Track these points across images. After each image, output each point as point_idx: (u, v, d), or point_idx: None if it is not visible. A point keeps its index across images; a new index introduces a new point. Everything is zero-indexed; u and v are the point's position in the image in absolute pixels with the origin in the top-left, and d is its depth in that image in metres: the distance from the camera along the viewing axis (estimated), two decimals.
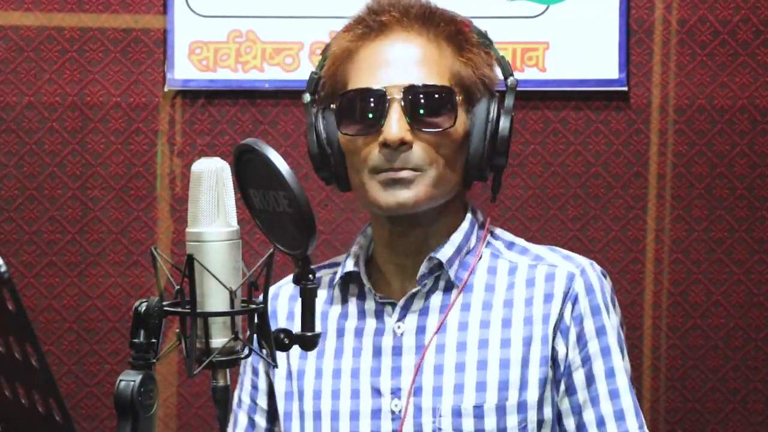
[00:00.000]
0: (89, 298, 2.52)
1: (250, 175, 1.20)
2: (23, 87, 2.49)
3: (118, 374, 1.13)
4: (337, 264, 1.67)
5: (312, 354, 1.60)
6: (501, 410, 1.53)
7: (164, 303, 1.15)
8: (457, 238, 1.59)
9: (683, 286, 2.55)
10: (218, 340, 1.15)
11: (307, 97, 1.60)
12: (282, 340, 1.22)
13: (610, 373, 1.56)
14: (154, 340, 1.14)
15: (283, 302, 1.66)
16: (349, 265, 1.61)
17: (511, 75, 1.58)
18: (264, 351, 1.20)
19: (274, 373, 1.63)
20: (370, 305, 1.60)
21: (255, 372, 1.67)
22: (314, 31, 2.50)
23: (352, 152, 1.55)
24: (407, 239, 1.58)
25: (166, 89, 2.50)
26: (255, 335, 1.18)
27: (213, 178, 1.15)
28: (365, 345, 1.58)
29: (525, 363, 1.54)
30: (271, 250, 1.20)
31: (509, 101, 1.57)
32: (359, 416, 1.56)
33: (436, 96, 1.52)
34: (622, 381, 1.57)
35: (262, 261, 1.18)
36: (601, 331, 1.57)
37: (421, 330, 1.57)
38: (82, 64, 2.50)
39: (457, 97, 1.53)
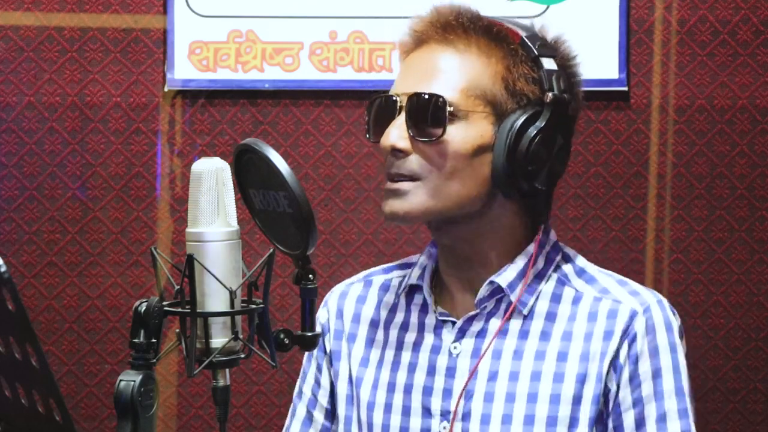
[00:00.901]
0: (89, 298, 2.52)
1: (250, 175, 1.20)
2: (23, 87, 2.49)
3: (118, 374, 1.13)
4: (409, 265, 1.65)
5: (373, 362, 1.59)
6: None
7: (164, 303, 1.15)
8: (520, 261, 1.55)
9: (683, 286, 2.55)
10: (218, 340, 1.15)
11: None
12: (282, 340, 1.22)
13: (661, 418, 1.51)
14: (154, 340, 1.14)
15: (350, 303, 1.64)
16: (414, 277, 1.59)
17: (550, 91, 1.51)
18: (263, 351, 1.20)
19: (338, 375, 1.61)
20: (430, 320, 1.57)
21: (319, 368, 1.65)
22: (314, 31, 2.50)
23: (382, 156, 1.55)
24: (452, 250, 1.56)
25: (166, 89, 2.50)
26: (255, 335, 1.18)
27: (213, 178, 1.15)
28: (421, 361, 1.56)
29: (577, 400, 1.51)
30: (271, 250, 1.20)
31: (543, 117, 1.50)
32: None
33: (428, 106, 1.50)
34: (674, 427, 1.52)
35: (262, 261, 1.18)
36: (657, 374, 1.53)
37: (476, 353, 1.54)
38: (82, 64, 2.50)
39: (449, 109, 1.49)
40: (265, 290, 1.19)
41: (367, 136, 1.57)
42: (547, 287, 1.56)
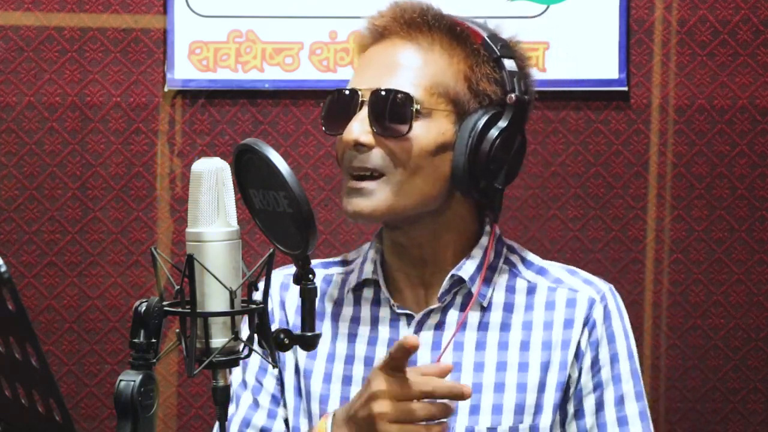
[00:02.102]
0: (89, 298, 2.52)
1: (250, 175, 1.20)
2: (23, 87, 2.49)
3: (118, 374, 1.13)
4: (348, 262, 1.66)
5: (321, 354, 1.59)
6: None
7: (164, 303, 1.15)
8: (477, 253, 1.58)
9: (683, 286, 2.55)
10: (218, 340, 1.15)
11: None
12: (282, 340, 1.22)
13: (619, 401, 1.57)
14: (154, 340, 1.14)
15: (293, 295, 1.63)
16: (368, 271, 1.59)
17: (512, 92, 1.53)
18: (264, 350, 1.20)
19: (284, 365, 1.61)
20: (384, 313, 1.59)
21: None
22: (314, 31, 2.50)
23: (337, 152, 1.55)
24: (406, 249, 1.57)
25: (166, 89, 2.50)
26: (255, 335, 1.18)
27: (213, 178, 1.15)
28: (378, 355, 1.57)
29: (542, 388, 1.54)
30: (271, 250, 1.20)
31: (506, 118, 1.52)
32: None
33: (393, 102, 1.50)
34: (632, 408, 1.57)
35: (262, 261, 1.18)
36: (614, 358, 1.57)
37: (436, 346, 1.56)
38: (82, 64, 2.50)
39: (415, 106, 1.50)
40: (265, 290, 1.19)
41: (323, 128, 1.57)
42: (501, 279, 1.59)
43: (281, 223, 1.19)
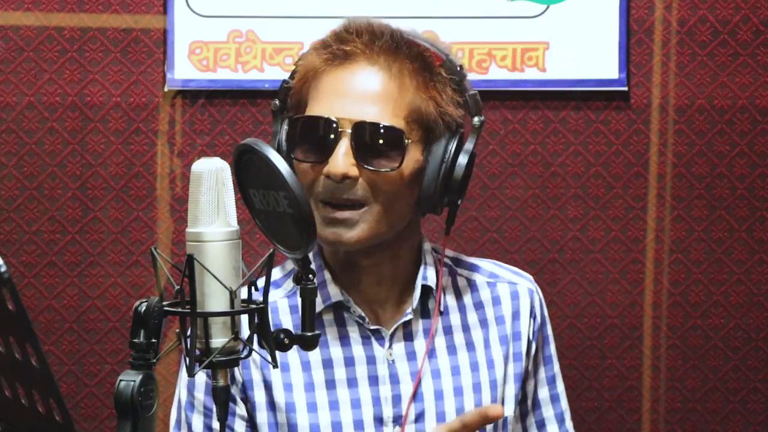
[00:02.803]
0: (89, 298, 2.52)
1: (250, 175, 1.20)
2: (23, 87, 2.49)
3: (118, 374, 1.13)
4: (279, 285, 1.62)
5: (298, 385, 1.57)
6: (495, 428, 1.60)
7: (164, 303, 1.15)
8: (430, 261, 1.61)
9: (683, 286, 2.55)
10: (218, 340, 1.15)
11: (276, 104, 1.60)
12: (282, 340, 1.22)
13: (551, 380, 1.68)
14: (154, 340, 1.14)
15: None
16: (336, 294, 1.58)
17: (478, 115, 1.55)
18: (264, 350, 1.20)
19: (255, 405, 1.57)
20: (353, 332, 1.59)
21: (233, 399, 1.59)
22: (314, 31, 2.48)
23: (302, 177, 1.53)
24: (367, 270, 1.58)
25: (166, 89, 2.50)
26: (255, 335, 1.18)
27: (213, 178, 1.15)
28: (359, 375, 1.57)
29: (505, 381, 1.61)
30: (271, 250, 1.20)
31: (471, 141, 1.55)
32: None
33: (385, 137, 1.51)
34: (561, 386, 1.69)
35: (262, 261, 1.18)
36: (546, 341, 1.67)
37: (411, 356, 1.58)
38: (82, 64, 2.50)
39: (407, 141, 1.51)
40: (265, 290, 1.19)
41: (291, 154, 1.54)
42: (445, 281, 1.62)
43: (281, 223, 1.19)
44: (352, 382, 1.57)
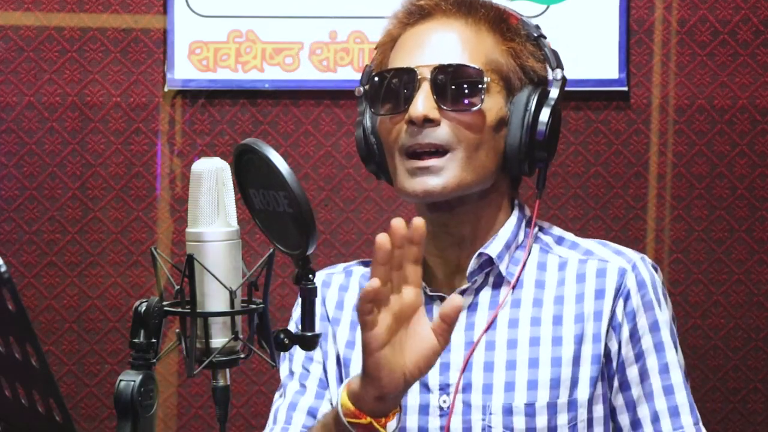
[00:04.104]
0: (89, 298, 2.52)
1: (250, 175, 1.20)
2: (23, 87, 2.49)
3: (118, 374, 1.13)
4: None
5: (359, 342, 1.59)
6: (552, 408, 1.52)
7: (164, 303, 1.15)
8: (504, 233, 1.58)
9: (683, 286, 2.55)
10: (218, 340, 1.15)
11: (359, 90, 1.59)
12: (282, 340, 1.22)
13: (664, 369, 1.55)
14: (154, 340, 1.14)
15: (333, 291, 1.64)
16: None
17: (558, 68, 1.58)
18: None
19: (326, 354, 1.60)
20: None
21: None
22: (314, 31, 2.50)
23: (385, 133, 1.53)
24: (448, 230, 1.56)
25: (166, 89, 2.50)
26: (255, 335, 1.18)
27: (213, 178, 1.15)
28: None
29: (576, 361, 1.53)
30: (271, 250, 1.20)
31: (553, 93, 1.57)
32: (407, 411, 1.53)
33: (464, 76, 1.51)
34: (677, 376, 1.55)
35: (262, 261, 1.18)
36: (654, 327, 1.56)
37: (470, 326, 1.55)
38: (82, 64, 2.50)
39: (486, 80, 1.51)
40: (265, 290, 1.19)
41: (372, 110, 1.55)
42: (531, 257, 1.59)
43: (281, 223, 1.19)
44: None
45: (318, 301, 1.63)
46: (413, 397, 1.54)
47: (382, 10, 2.45)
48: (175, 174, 2.52)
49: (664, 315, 1.57)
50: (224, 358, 1.15)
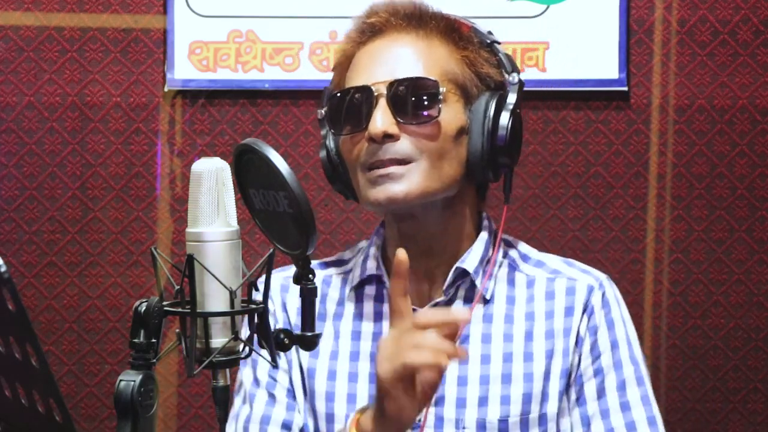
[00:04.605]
0: (89, 298, 2.52)
1: (250, 175, 1.20)
2: (23, 87, 2.49)
3: (118, 374, 1.13)
4: (344, 262, 1.66)
5: (324, 353, 1.59)
6: (524, 423, 1.54)
7: (164, 303, 1.15)
8: (479, 247, 1.59)
9: (683, 286, 2.55)
10: (218, 340, 1.15)
11: (321, 113, 1.60)
12: (282, 340, 1.22)
13: (621, 386, 1.57)
14: (154, 340, 1.14)
15: (293, 296, 1.63)
16: (371, 268, 1.60)
17: (514, 72, 1.57)
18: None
19: (290, 363, 1.61)
20: (388, 309, 1.58)
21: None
22: (314, 31, 2.50)
23: (347, 152, 1.55)
24: (416, 240, 1.57)
25: (166, 89, 2.50)
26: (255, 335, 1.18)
27: (213, 178, 1.15)
28: None
29: (547, 376, 1.55)
30: (271, 250, 1.20)
31: (511, 98, 1.56)
32: None
33: (420, 88, 1.52)
34: (634, 394, 1.57)
35: (262, 261, 1.18)
36: (614, 345, 1.58)
37: None
38: (82, 64, 2.50)
39: (442, 90, 1.52)
40: (265, 290, 1.19)
41: (332, 131, 1.57)
42: (501, 273, 1.60)
43: (281, 223, 1.19)
44: (374, 357, 1.55)
45: (277, 305, 1.63)
46: None
47: None
48: (175, 174, 2.52)
49: (624, 334, 1.60)
50: (224, 358, 1.15)
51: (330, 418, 1.57)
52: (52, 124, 2.50)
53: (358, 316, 1.60)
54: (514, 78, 1.57)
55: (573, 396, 1.57)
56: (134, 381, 1.11)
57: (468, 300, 1.58)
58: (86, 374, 2.53)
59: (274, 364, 1.20)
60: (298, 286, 1.23)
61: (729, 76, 2.53)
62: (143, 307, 1.14)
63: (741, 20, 2.53)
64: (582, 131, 2.53)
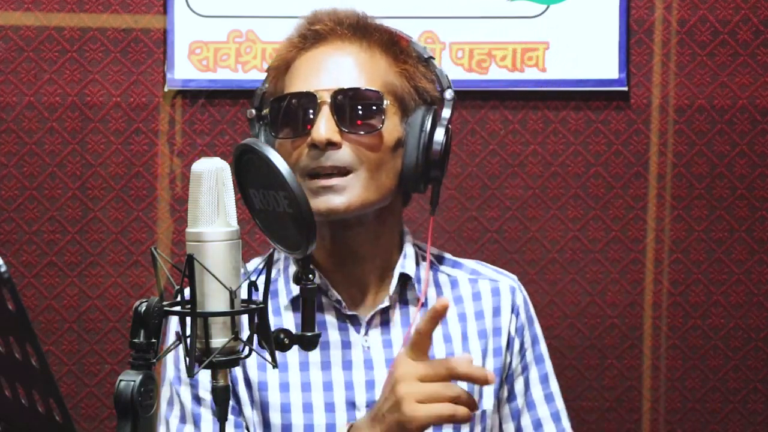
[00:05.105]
0: (89, 298, 2.52)
1: (250, 175, 1.20)
2: (23, 87, 2.49)
3: (118, 374, 1.13)
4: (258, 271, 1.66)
5: (284, 362, 1.60)
6: (471, 419, 1.58)
7: (164, 303, 1.15)
8: (410, 251, 1.64)
9: (683, 286, 2.55)
10: (218, 340, 1.15)
11: (251, 113, 1.63)
12: (282, 340, 1.22)
13: (544, 379, 1.67)
14: (154, 340, 1.14)
15: None
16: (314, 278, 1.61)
17: (449, 88, 1.60)
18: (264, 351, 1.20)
19: (236, 379, 1.61)
20: (330, 317, 1.61)
21: None
22: None
23: (286, 156, 1.55)
24: (350, 248, 1.60)
25: (166, 89, 2.50)
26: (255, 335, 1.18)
27: (213, 178, 1.15)
28: (334, 358, 1.59)
29: None
30: (271, 250, 1.20)
31: (446, 113, 1.59)
32: (335, 429, 1.57)
33: (364, 99, 1.55)
34: (555, 385, 1.69)
35: (262, 261, 1.18)
36: (534, 340, 1.68)
37: (387, 344, 1.60)
38: (82, 64, 2.50)
39: (386, 102, 1.55)
40: (265, 290, 1.19)
41: (272, 133, 1.58)
42: (427, 275, 1.65)
43: (281, 223, 1.19)
44: (325, 365, 1.59)
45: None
46: (340, 415, 1.58)
47: (381, 10, 2.46)
48: (175, 174, 2.52)
49: (539, 329, 1.70)
50: (224, 358, 1.15)
51: (287, 428, 1.58)
52: (52, 124, 2.50)
53: (299, 327, 1.61)
54: (449, 94, 1.60)
55: (504, 394, 1.65)
56: (134, 381, 1.11)
57: (405, 303, 1.62)
58: (86, 374, 2.53)
59: (274, 365, 1.20)
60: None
61: (729, 76, 2.53)
62: (143, 307, 1.14)
63: (741, 20, 2.53)
64: (582, 131, 2.53)
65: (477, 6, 2.47)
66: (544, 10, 2.49)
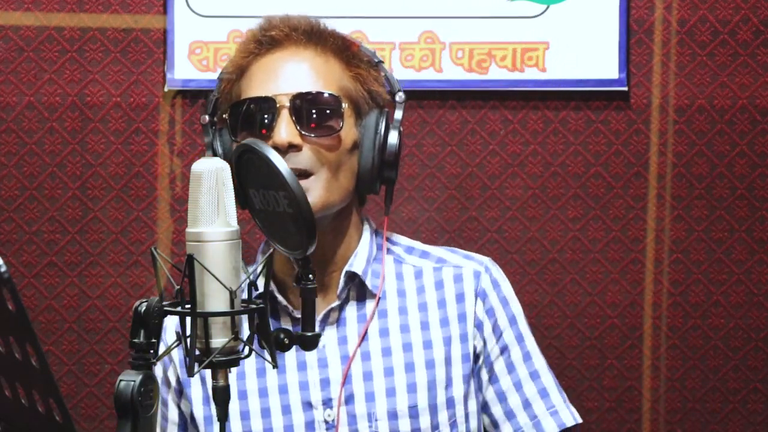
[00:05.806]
0: (89, 298, 2.52)
1: (250, 175, 1.20)
2: (23, 87, 2.49)
3: (118, 374, 1.13)
4: None
5: (231, 378, 1.61)
6: (433, 408, 1.61)
7: (164, 303, 1.15)
8: (363, 248, 1.66)
9: (683, 286, 2.55)
10: (218, 340, 1.15)
11: (205, 119, 1.66)
12: (282, 340, 1.22)
13: (527, 357, 1.68)
14: (154, 340, 1.14)
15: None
16: (260, 286, 1.62)
17: (400, 91, 1.65)
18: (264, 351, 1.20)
19: (192, 400, 1.64)
20: (285, 322, 1.64)
21: (164, 403, 1.67)
22: None
23: None
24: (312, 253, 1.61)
25: (166, 89, 2.50)
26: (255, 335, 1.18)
27: (213, 178, 1.15)
28: (288, 361, 1.62)
29: (448, 362, 1.63)
30: (271, 250, 1.20)
31: (398, 115, 1.63)
32: (293, 430, 1.59)
33: (323, 102, 1.58)
34: (540, 362, 1.69)
35: (262, 261, 1.18)
36: (512, 321, 1.68)
37: (342, 340, 1.62)
38: (82, 64, 2.50)
39: (344, 106, 1.59)
40: (265, 290, 1.19)
41: (231, 137, 1.61)
42: (389, 269, 1.67)
43: (281, 223, 1.19)
44: (280, 369, 1.62)
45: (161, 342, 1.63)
46: (297, 416, 1.60)
47: (382, 10, 2.46)
48: (175, 174, 2.52)
49: (518, 309, 1.70)
50: (224, 358, 1.15)
51: None
52: (52, 124, 2.50)
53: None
54: (400, 96, 1.65)
55: (485, 377, 1.66)
56: (134, 381, 1.11)
57: (361, 299, 1.64)
58: (86, 374, 2.53)
59: (274, 365, 1.20)
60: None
61: (729, 76, 2.53)
62: (143, 307, 1.14)
63: (741, 20, 2.53)
64: (582, 131, 2.53)
65: (477, 6, 2.47)
66: (544, 10, 2.49)
